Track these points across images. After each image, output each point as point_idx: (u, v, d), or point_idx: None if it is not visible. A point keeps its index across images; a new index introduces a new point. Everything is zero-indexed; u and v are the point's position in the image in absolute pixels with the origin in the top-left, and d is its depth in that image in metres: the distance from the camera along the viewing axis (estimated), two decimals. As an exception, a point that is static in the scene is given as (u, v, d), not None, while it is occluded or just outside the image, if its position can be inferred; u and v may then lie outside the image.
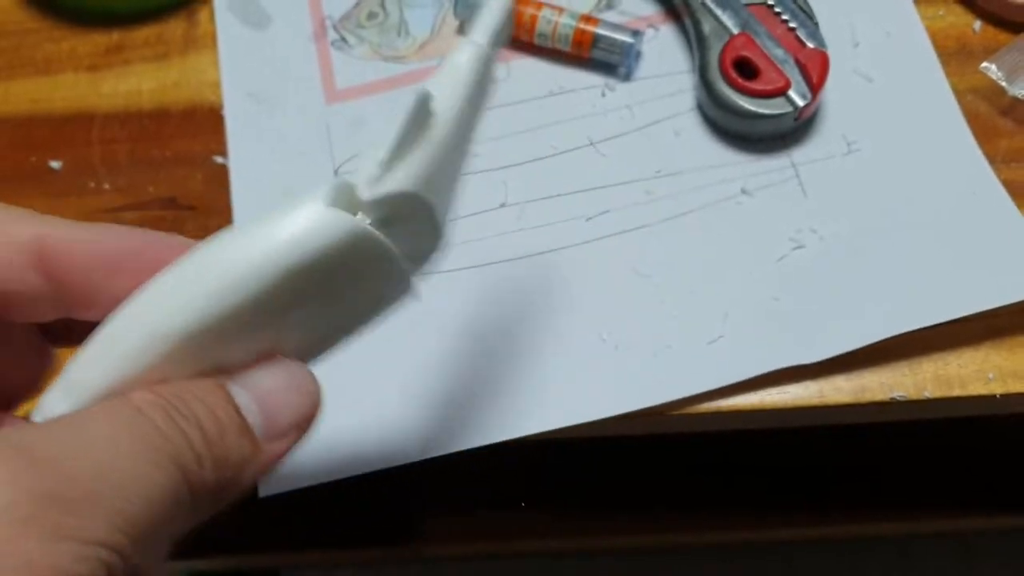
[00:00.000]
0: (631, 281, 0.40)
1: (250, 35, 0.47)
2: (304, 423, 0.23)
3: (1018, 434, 0.66)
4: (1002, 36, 0.44)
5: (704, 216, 0.41)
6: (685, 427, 0.39)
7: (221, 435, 0.21)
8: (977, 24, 0.45)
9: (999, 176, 0.40)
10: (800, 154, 0.42)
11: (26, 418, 0.24)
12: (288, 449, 0.23)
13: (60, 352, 0.27)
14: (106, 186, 0.44)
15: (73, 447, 0.19)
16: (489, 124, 0.44)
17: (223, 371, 0.23)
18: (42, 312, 0.24)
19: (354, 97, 0.45)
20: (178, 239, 0.25)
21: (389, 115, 0.44)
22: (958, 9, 0.45)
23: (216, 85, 0.46)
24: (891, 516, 0.68)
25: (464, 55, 0.25)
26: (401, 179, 0.23)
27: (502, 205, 0.42)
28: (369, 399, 0.38)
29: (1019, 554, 0.86)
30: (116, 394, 0.22)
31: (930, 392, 0.37)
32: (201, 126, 0.45)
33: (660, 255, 0.40)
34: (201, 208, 0.44)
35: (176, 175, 0.44)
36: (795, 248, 0.40)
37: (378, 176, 0.23)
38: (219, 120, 0.45)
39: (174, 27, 0.48)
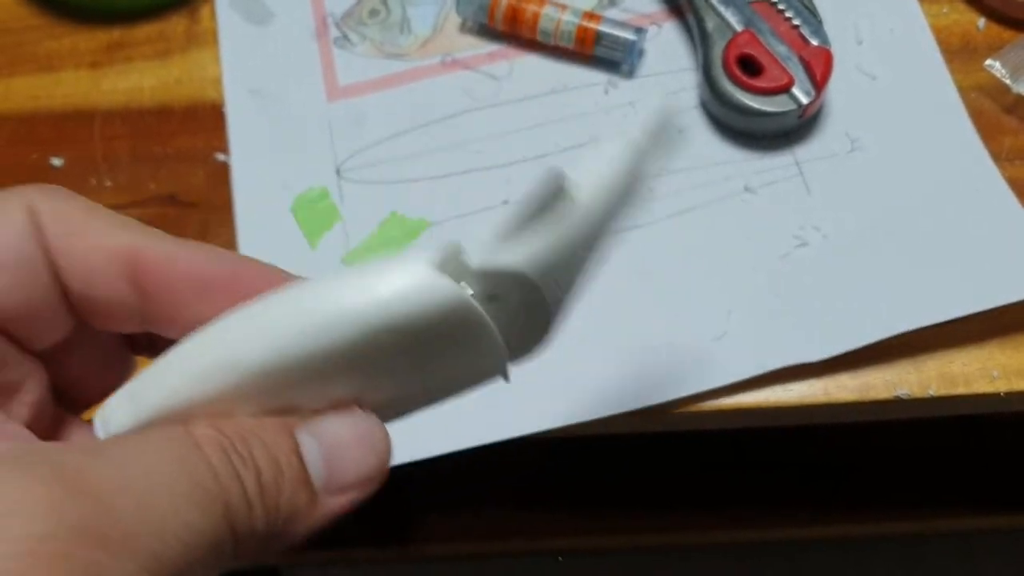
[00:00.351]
0: (634, 278, 0.39)
1: (252, 32, 0.47)
2: (369, 482, 0.22)
3: (1022, 432, 0.65)
4: (1006, 34, 0.44)
5: (707, 213, 0.41)
6: (689, 425, 0.39)
7: (278, 483, 0.20)
8: (981, 22, 0.45)
9: (1003, 174, 0.40)
10: (804, 151, 0.42)
11: (90, 422, 0.23)
12: (347, 506, 0.22)
13: (140, 360, 0.26)
14: (108, 183, 0.44)
15: (120, 480, 0.18)
16: (492, 121, 0.44)
17: (294, 411, 0.21)
18: (125, 323, 0.24)
19: (356, 94, 0.45)
20: (275, 271, 0.24)
21: (390, 112, 0.44)
22: (962, 6, 0.45)
23: (218, 82, 0.46)
24: (896, 515, 0.67)
25: (616, 146, 0.23)
26: (516, 257, 0.21)
27: (505, 202, 0.42)
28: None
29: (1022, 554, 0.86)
30: (178, 415, 0.21)
31: (934, 390, 0.37)
32: (202, 123, 0.45)
33: (663, 252, 0.40)
34: (202, 205, 0.43)
35: (177, 172, 0.44)
36: (799, 246, 0.40)
37: (493, 247, 0.21)
38: (220, 117, 0.45)
39: (176, 24, 0.48)
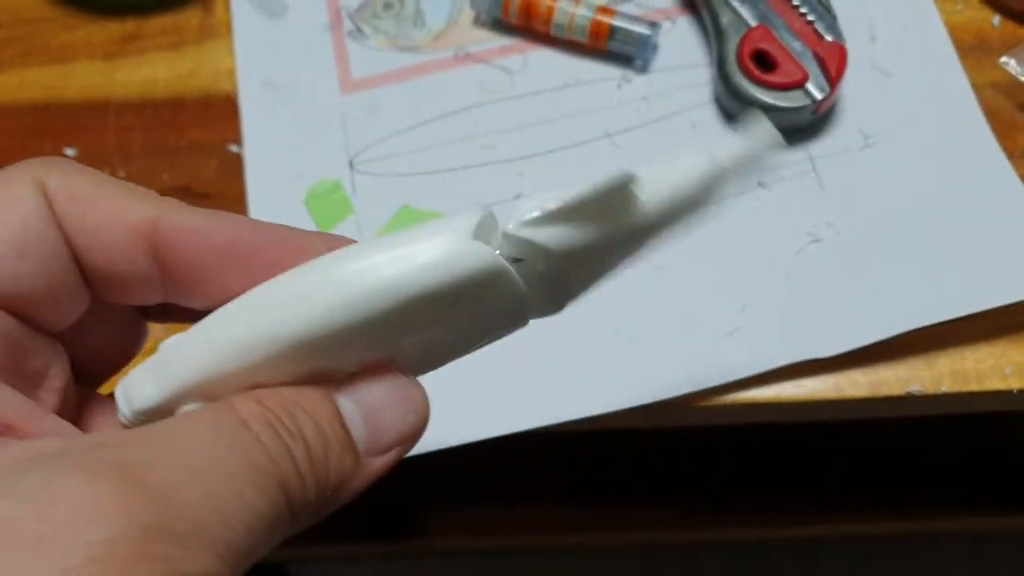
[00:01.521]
0: (647, 274, 0.39)
1: (266, 24, 0.47)
2: (410, 439, 0.22)
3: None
4: (1021, 31, 0.44)
5: (720, 209, 0.41)
6: (700, 420, 0.39)
7: (326, 453, 0.20)
8: (996, 19, 0.44)
9: (1017, 171, 0.40)
10: (817, 147, 0.42)
11: (110, 396, 0.23)
12: (389, 465, 0.22)
13: (153, 328, 0.26)
14: (121, 174, 0.44)
15: (180, 470, 0.18)
16: (505, 115, 0.44)
17: (330, 378, 0.22)
18: (146, 296, 0.23)
19: (369, 87, 0.45)
20: (304, 237, 0.23)
21: (404, 105, 0.44)
22: (977, 3, 0.45)
23: (231, 74, 0.46)
24: (905, 514, 0.67)
25: (696, 158, 0.23)
26: (554, 237, 0.21)
27: (517, 196, 0.42)
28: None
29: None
30: (210, 388, 0.21)
31: (947, 387, 0.37)
32: (216, 115, 0.45)
33: (676, 248, 0.40)
34: (215, 196, 0.44)
35: (191, 163, 0.44)
36: (812, 242, 0.40)
37: (534, 222, 0.21)
38: (234, 109, 0.45)
39: (190, 16, 0.48)
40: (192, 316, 0.23)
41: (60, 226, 0.21)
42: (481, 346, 0.24)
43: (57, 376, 0.23)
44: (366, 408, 0.21)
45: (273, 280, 0.22)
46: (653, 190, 0.22)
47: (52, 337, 0.23)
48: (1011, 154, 0.41)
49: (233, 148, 0.44)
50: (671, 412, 0.38)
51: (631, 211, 0.22)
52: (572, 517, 0.70)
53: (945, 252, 0.39)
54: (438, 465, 0.37)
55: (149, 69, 0.47)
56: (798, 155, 0.42)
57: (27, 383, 0.22)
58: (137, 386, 0.22)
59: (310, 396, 0.21)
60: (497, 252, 0.21)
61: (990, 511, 0.66)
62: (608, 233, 0.22)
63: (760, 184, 0.41)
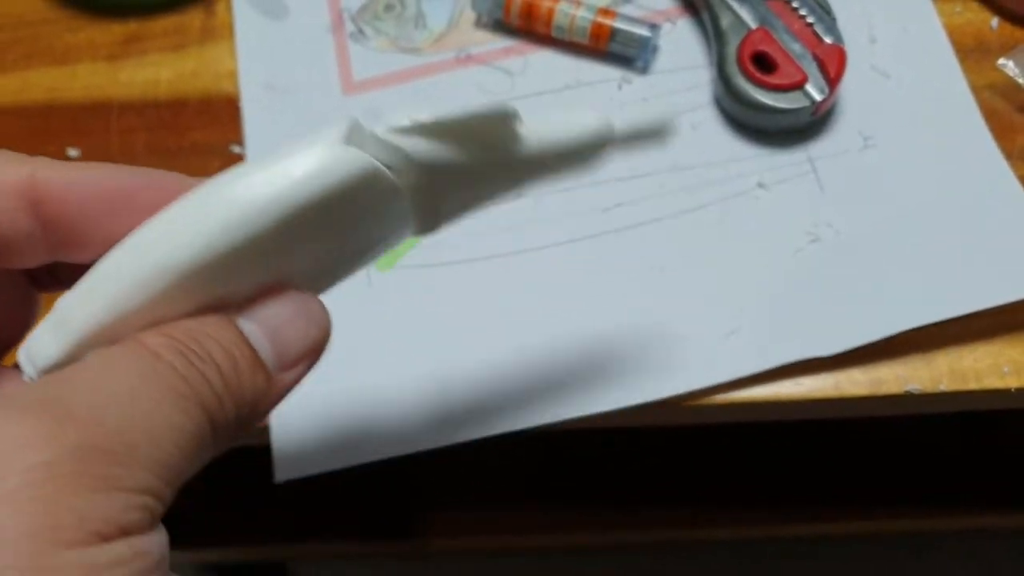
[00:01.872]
0: (646, 273, 0.40)
1: (267, 26, 0.47)
2: (315, 352, 0.23)
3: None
4: (1019, 33, 0.44)
5: (720, 210, 0.41)
6: (700, 419, 0.39)
7: (238, 373, 0.21)
8: (995, 21, 0.45)
9: (1016, 172, 0.40)
10: (817, 149, 0.42)
11: (14, 367, 0.24)
12: (299, 378, 0.23)
13: (47, 298, 0.26)
14: (124, 174, 0.45)
15: (103, 398, 0.19)
16: (506, 116, 0.44)
17: (228, 305, 0.22)
18: (31, 257, 0.24)
19: (371, 89, 0.45)
20: (177, 177, 0.25)
21: (405, 107, 0.44)
22: (975, 6, 0.45)
23: (233, 75, 0.46)
24: (904, 513, 0.68)
25: (589, 117, 0.24)
26: (420, 149, 0.22)
27: (517, 196, 0.42)
28: (385, 387, 0.38)
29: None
30: (109, 333, 0.21)
31: (945, 385, 0.37)
32: (218, 116, 0.46)
33: (676, 248, 0.40)
34: (218, 197, 0.44)
35: (193, 165, 0.45)
36: (811, 242, 0.40)
37: (403, 129, 0.22)
38: (236, 110, 0.45)
39: (192, 17, 0.48)
40: (80, 277, 0.23)
41: None
42: (374, 256, 0.25)
43: None
44: (268, 327, 0.22)
45: (156, 216, 0.22)
46: (535, 130, 0.23)
47: None
48: (1009, 155, 0.41)
49: (235, 149, 0.44)
50: (670, 411, 0.38)
51: (507, 145, 0.23)
52: (572, 517, 0.70)
53: (943, 252, 0.39)
54: (438, 464, 0.37)
55: (151, 70, 0.47)
56: (798, 156, 0.42)
57: None
58: (39, 345, 0.22)
59: (213, 323, 0.22)
60: (369, 157, 0.22)
61: (989, 510, 0.67)
62: (478, 159, 0.23)
63: (760, 184, 0.41)
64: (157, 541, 0.19)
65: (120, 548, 0.18)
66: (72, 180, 0.23)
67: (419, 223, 0.24)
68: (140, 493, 0.18)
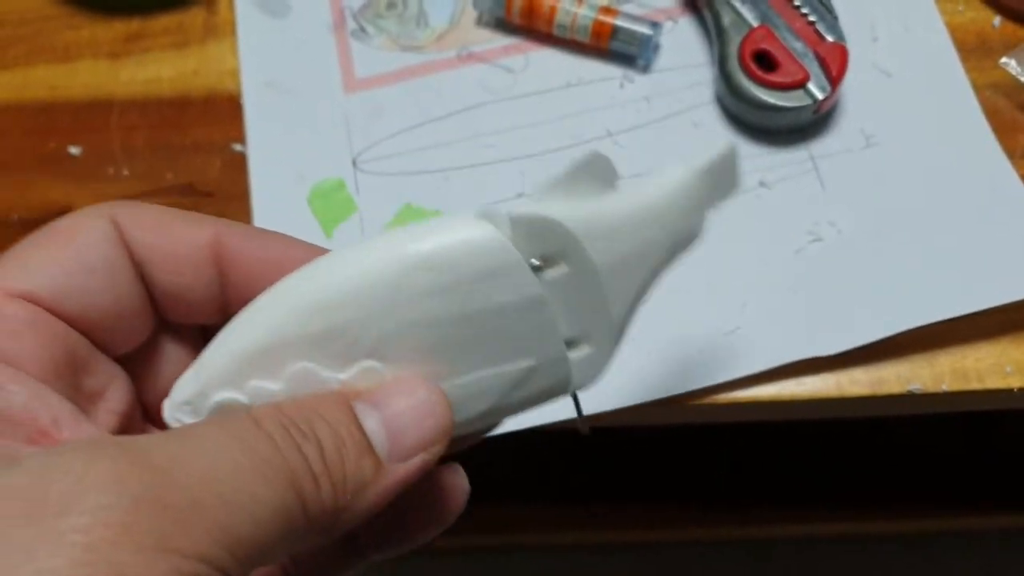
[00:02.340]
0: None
1: (269, 24, 0.47)
2: (431, 444, 0.22)
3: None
4: (1022, 32, 0.44)
5: (721, 208, 0.41)
6: (701, 418, 0.39)
7: (341, 455, 0.20)
8: (997, 20, 0.45)
9: (1018, 172, 0.40)
10: (818, 147, 0.42)
11: None
12: (415, 472, 0.21)
13: None
14: (125, 172, 0.45)
15: (184, 454, 0.18)
16: (507, 114, 0.44)
17: (353, 390, 0.22)
18: (209, 312, 0.24)
19: (372, 86, 0.45)
20: None
21: (407, 105, 0.44)
22: (978, 4, 0.45)
23: (235, 73, 0.46)
24: (906, 513, 0.68)
25: (665, 170, 0.24)
26: (552, 207, 0.22)
27: (519, 195, 0.42)
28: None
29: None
30: (236, 375, 0.21)
31: (947, 385, 0.37)
32: (220, 114, 0.46)
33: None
34: (219, 195, 0.44)
35: (194, 162, 0.45)
36: (813, 241, 0.40)
37: (537, 198, 0.22)
38: (238, 108, 0.45)
39: (194, 15, 0.48)
40: None
41: (129, 249, 0.23)
42: (528, 392, 0.24)
43: (116, 399, 0.23)
44: (385, 413, 0.21)
45: (293, 273, 0.22)
46: (634, 185, 0.24)
47: (116, 362, 0.24)
48: (1011, 154, 0.41)
49: (237, 147, 0.44)
50: (671, 410, 0.38)
51: (619, 190, 0.23)
52: (572, 515, 0.70)
53: (946, 251, 0.39)
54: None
55: (153, 68, 0.47)
56: (799, 155, 0.42)
57: (84, 400, 0.23)
58: (179, 388, 0.23)
59: (327, 400, 0.21)
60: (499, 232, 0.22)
61: (990, 510, 0.66)
62: (611, 212, 0.23)
63: (762, 183, 0.41)
64: None
65: None
66: (254, 238, 0.24)
67: (594, 332, 0.24)
68: (194, 560, 0.17)
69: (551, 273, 0.23)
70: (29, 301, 0.22)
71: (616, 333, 0.24)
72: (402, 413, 0.21)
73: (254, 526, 0.18)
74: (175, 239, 0.23)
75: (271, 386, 0.22)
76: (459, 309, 0.22)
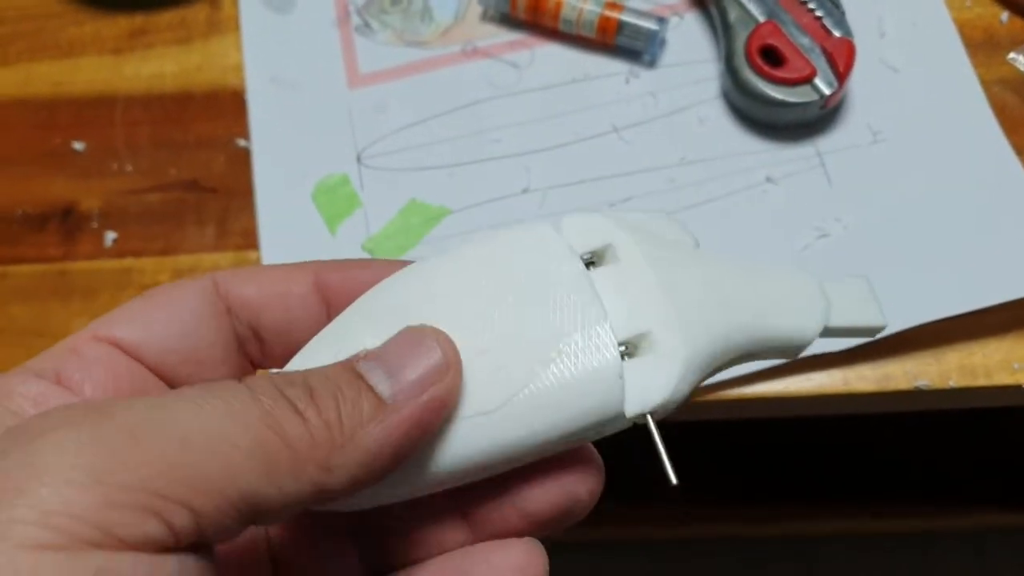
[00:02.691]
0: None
1: (273, 19, 0.47)
2: (436, 376, 0.20)
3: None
4: (1029, 27, 0.44)
5: (728, 204, 0.41)
6: (708, 414, 0.39)
7: (332, 393, 0.20)
8: (1004, 15, 0.44)
9: (1026, 167, 0.40)
10: (825, 143, 0.42)
11: None
12: (425, 412, 0.20)
13: None
14: (129, 168, 0.44)
15: (156, 411, 0.18)
16: (512, 109, 0.44)
17: None
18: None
19: (377, 82, 0.45)
20: None
21: (411, 100, 0.44)
22: (985, 0, 0.45)
23: (239, 69, 0.46)
24: (909, 512, 0.67)
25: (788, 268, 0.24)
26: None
27: (524, 191, 0.42)
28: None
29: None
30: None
31: (955, 381, 0.37)
32: (223, 109, 0.45)
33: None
34: (223, 190, 0.44)
35: (198, 158, 0.44)
36: (819, 237, 0.40)
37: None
38: (241, 104, 0.45)
39: (197, 11, 0.48)
40: None
41: (234, 301, 0.24)
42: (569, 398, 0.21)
43: None
44: (384, 353, 0.21)
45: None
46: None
47: None
48: (1019, 150, 0.41)
49: (241, 143, 0.44)
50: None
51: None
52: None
53: (953, 247, 0.39)
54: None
55: (156, 64, 0.47)
56: (806, 150, 0.42)
57: None
58: None
59: (332, 365, 0.21)
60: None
61: (992, 508, 0.66)
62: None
63: (768, 179, 0.41)
64: (173, 567, 0.17)
65: (86, 559, 0.16)
66: (353, 266, 0.25)
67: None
68: (148, 494, 0.16)
69: (600, 268, 0.22)
70: (111, 344, 0.23)
71: (690, 354, 0.21)
72: (401, 351, 0.21)
73: (225, 466, 0.18)
74: (280, 283, 0.24)
75: None
76: (501, 289, 0.22)
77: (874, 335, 0.24)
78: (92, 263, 0.43)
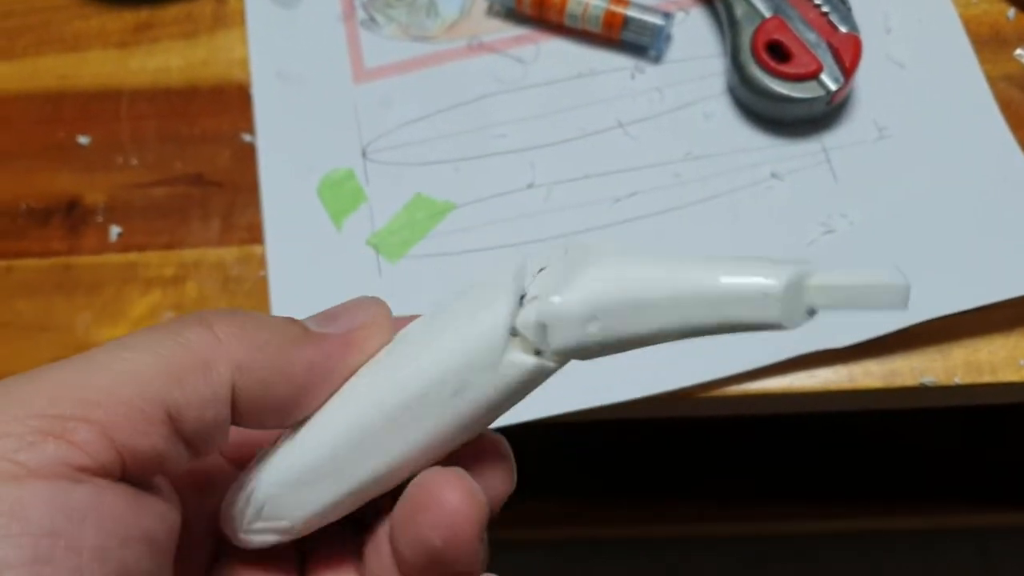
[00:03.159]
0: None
1: (279, 14, 0.47)
2: (361, 309, 0.22)
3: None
4: (1036, 24, 0.44)
5: (733, 200, 0.41)
6: (713, 410, 0.39)
7: (251, 317, 0.20)
8: (1011, 12, 0.44)
9: (1032, 163, 0.40)
10: (831, 139, 0.42)
11: None
12: (354, 339, 0.21)
13: None
14: (134, 162, 0.44)
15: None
16: (518, 104, 0.44)
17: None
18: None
19: (382, 77, 0.45)
20: None
21: (416, 95, 0.44)
22: (992, -4, 0.45)
23: (244, 63, 0.46)
24: (910, 511, 0.67)
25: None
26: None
27: (529, 186, 0.42)
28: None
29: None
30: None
31: (960, 378, 0.37)
32: (229, 104, 0.45)
33: (688, 238, 0.40)
34: (228, 185, 0.44)
35: (203, 152, 0.44)
36: (825, 233, 0.40)
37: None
38: (247, 98, 0.45)
39: (203, 5, 0.48)
40: None
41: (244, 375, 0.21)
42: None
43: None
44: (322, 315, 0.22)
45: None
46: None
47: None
48: (1026, 146, 0.41)
49: (246, 137, 0.44)
50: (681, 402, 0.38)
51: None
52: (573, 511, 0.70)
53: (959, 243, 0.39)
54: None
55: (162, 58, 0.47)
56: (812, 146, 0.42)
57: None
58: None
59: None
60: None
61: (994, 507, 0.66)
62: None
63: (774, 175, 0.41)
64: (87, 498, 0.16)
65: None
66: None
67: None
68: (48, 418, 0.16)
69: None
70: None
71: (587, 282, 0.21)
72: (337, 310, 0.22)
73: (131, 376, 0.17)
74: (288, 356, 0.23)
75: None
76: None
77: (901, 300, 0.20)
78: (97, 257, 0.43)
